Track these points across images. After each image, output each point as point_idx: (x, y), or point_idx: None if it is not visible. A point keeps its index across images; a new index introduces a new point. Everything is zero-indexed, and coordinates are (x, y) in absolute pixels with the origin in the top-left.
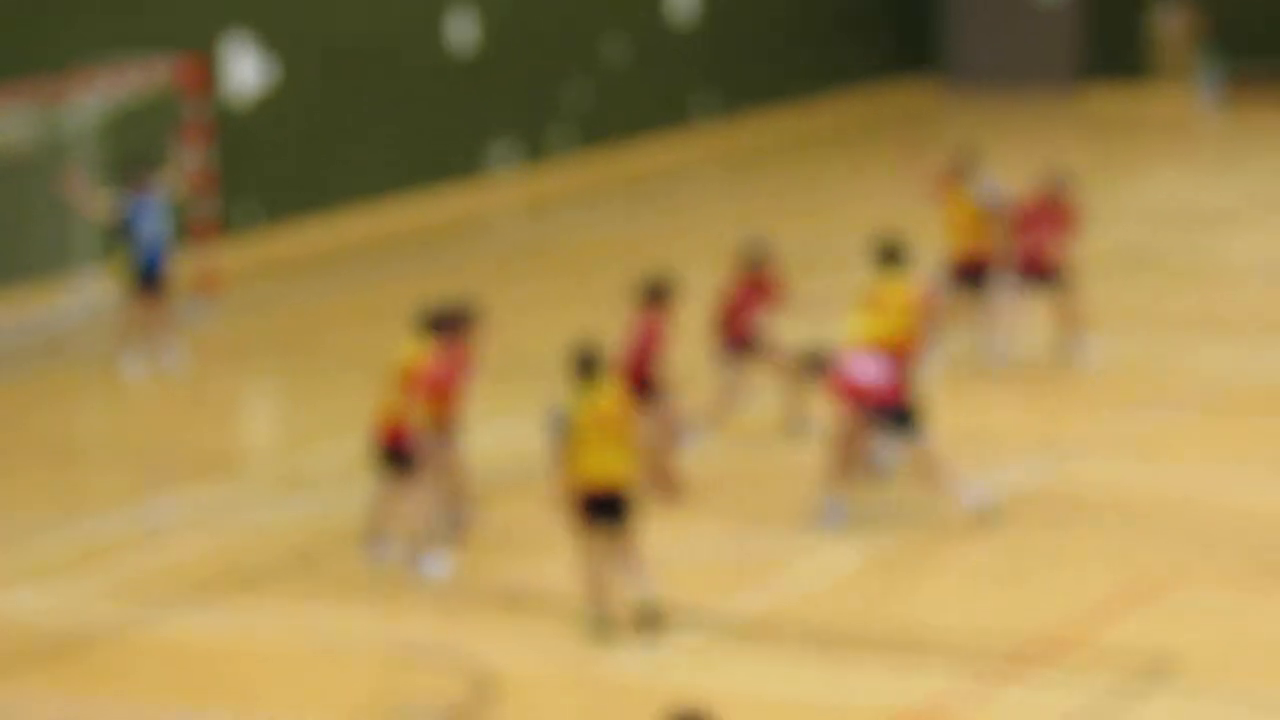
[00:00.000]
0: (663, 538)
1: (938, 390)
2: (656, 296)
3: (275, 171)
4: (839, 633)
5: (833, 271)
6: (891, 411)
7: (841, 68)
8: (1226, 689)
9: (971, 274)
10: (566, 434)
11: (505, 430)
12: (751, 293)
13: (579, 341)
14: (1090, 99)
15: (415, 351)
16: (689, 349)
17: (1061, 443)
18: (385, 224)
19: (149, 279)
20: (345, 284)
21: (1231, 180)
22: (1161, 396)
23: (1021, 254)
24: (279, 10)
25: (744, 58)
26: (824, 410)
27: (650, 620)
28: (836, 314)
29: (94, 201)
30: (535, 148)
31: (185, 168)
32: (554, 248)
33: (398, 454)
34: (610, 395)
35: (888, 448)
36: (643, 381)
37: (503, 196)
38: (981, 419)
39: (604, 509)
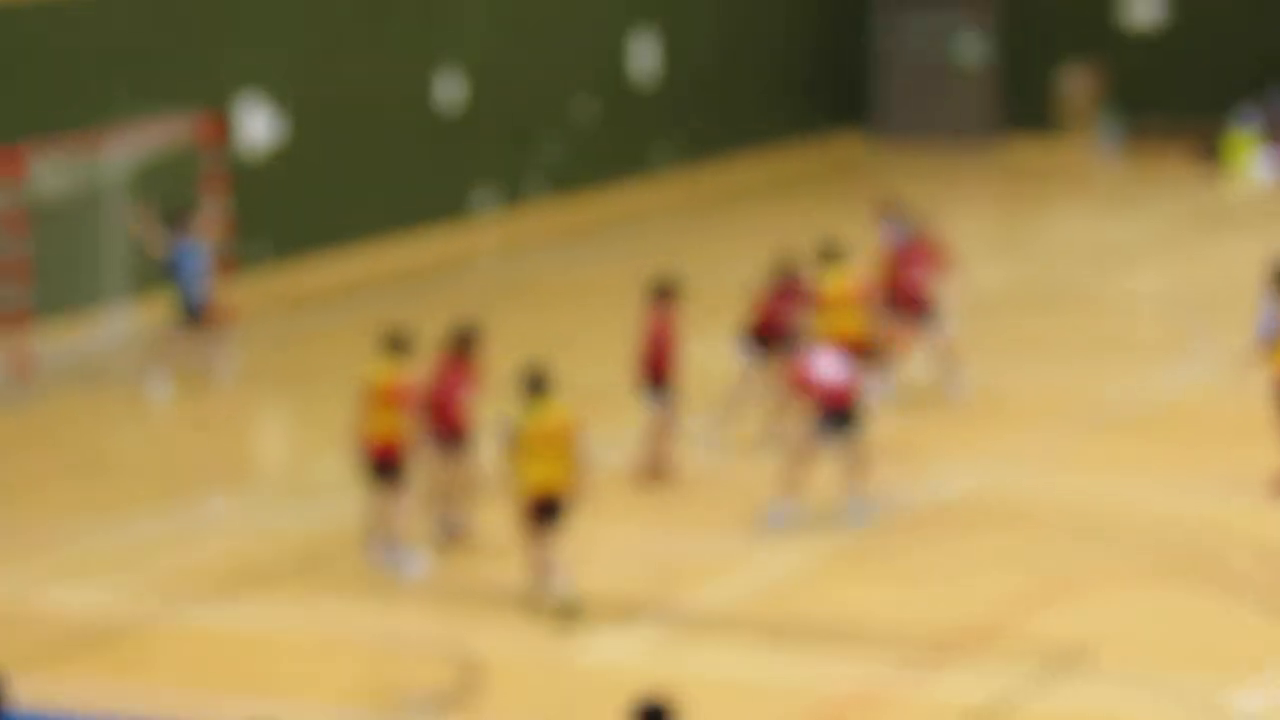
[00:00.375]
0: (630, 540)
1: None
2: (664, 295)
3: (284, 215)
4: (788, 625)
5: None
6: (847, 410)
7: (783, 123)
8: (1129, 675)
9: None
10: (514, 445)
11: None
12: (784, 297)
13: (529, 362)
14: (1005, 150)
15: (385, 370)
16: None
17: (982, 457)
18: (381, 262)
19: (193, 311)
20: (345, 315)
21: (1129, 221)
22: (1070, 415)
23: (896, 290)
24: (287, 72)
25: (698, 115)
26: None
27: (570, 613)
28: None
29: (154, 238)
30: (513, 194)
31: (215, 214)
32: (530, 283)
33: (384, 466)
34: (556, 411)
35: (874, 392)
36: (657, 372)
37: (484, 238)
38: (909, 436)
39: (547, 512)
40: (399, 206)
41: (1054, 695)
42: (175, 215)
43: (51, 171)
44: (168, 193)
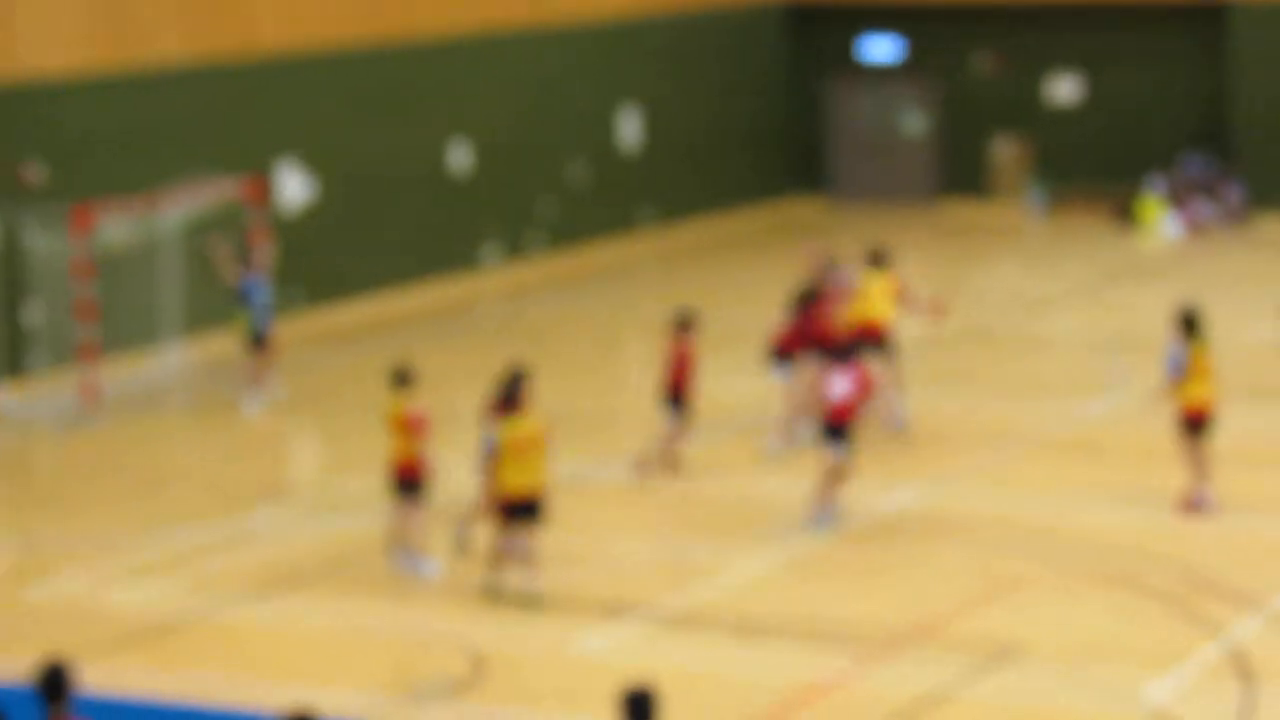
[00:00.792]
0: (619, 548)
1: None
2: (684, 326)
3: (315, 264)
4: (758, 622)
5: (744, 338)
6: (844, 427)
7: (749, 186)
8: (1059, 669)
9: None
10: (493, 455)
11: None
12: (822, 305)
13: (504, 384)
14: (944, 211)
15: (395, 402)
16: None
17: (928, 476)
18: (399, 306)
19: (259, 338)
20: (368, 352)
21: (1053, 272)
22: (1004, 440)
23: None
24: (319, 141)
25: (675, 179)
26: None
27: (531, 604)
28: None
29: (229, 269)
30: (515, 248)
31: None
32: (529, 325)
33: (405, 483)
34: (529, 424)
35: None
36: (677, 390)
37: (489, 285)
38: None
39: (520, 511)
40: (416, 257)
41: (989, 685)
42: (246, 252)
43: (116, 226)
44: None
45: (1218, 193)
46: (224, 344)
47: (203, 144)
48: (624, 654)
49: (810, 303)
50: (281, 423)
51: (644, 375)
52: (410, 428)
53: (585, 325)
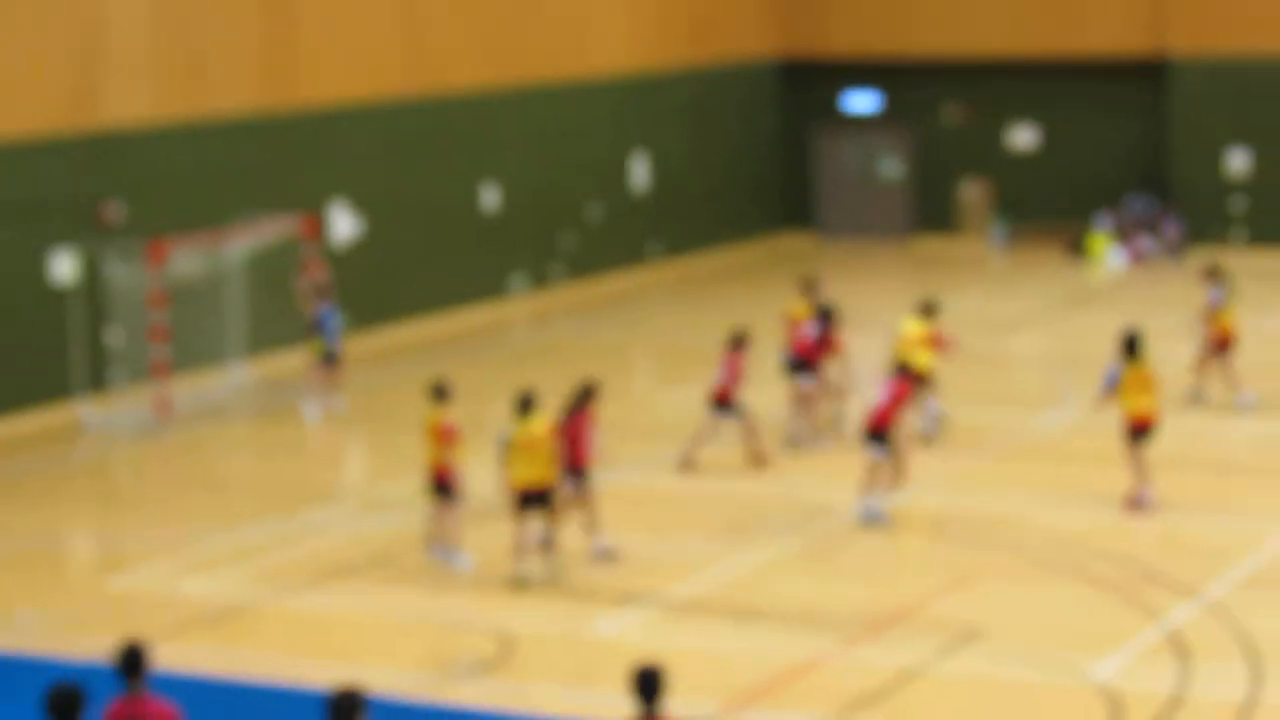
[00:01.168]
0: (630, 544)
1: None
2: (738, 344)
3: (363, 292)
4: (752, 608)
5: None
6: (881, 431)
7: (747, 223)
8: (1017, 649)
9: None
10: (506, 450)
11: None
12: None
13: (520, 390)
14: (917, 245)
15: (432, 414)
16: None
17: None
18: (438, 328)
19: (330, 356)
20: (409, 370)
21: (1013, 299)
22: (970, 447)
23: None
24: (366, 184)
25: (681, 217)
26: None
27: (554, 581)
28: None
29: (308, 299)
30: (540, 278)
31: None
32: (552, 346)
33: (442, 486)
34: (538, 424)
35: (930, 418)
36: (726, 397)
37: (517, 311)
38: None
39: (531, 500)
40: (451, 286)
41: (956, 663)
42: (321, 285)
43: (187, 259)
44: (276, 275)
45: (1158, 229)
46: (282, 363)
47: (263, 186)
48: (635, 636)
49: (829, 319)
50: (332, 432)
51: (653, 390)
52: (446, 436)
53: (601, 346)
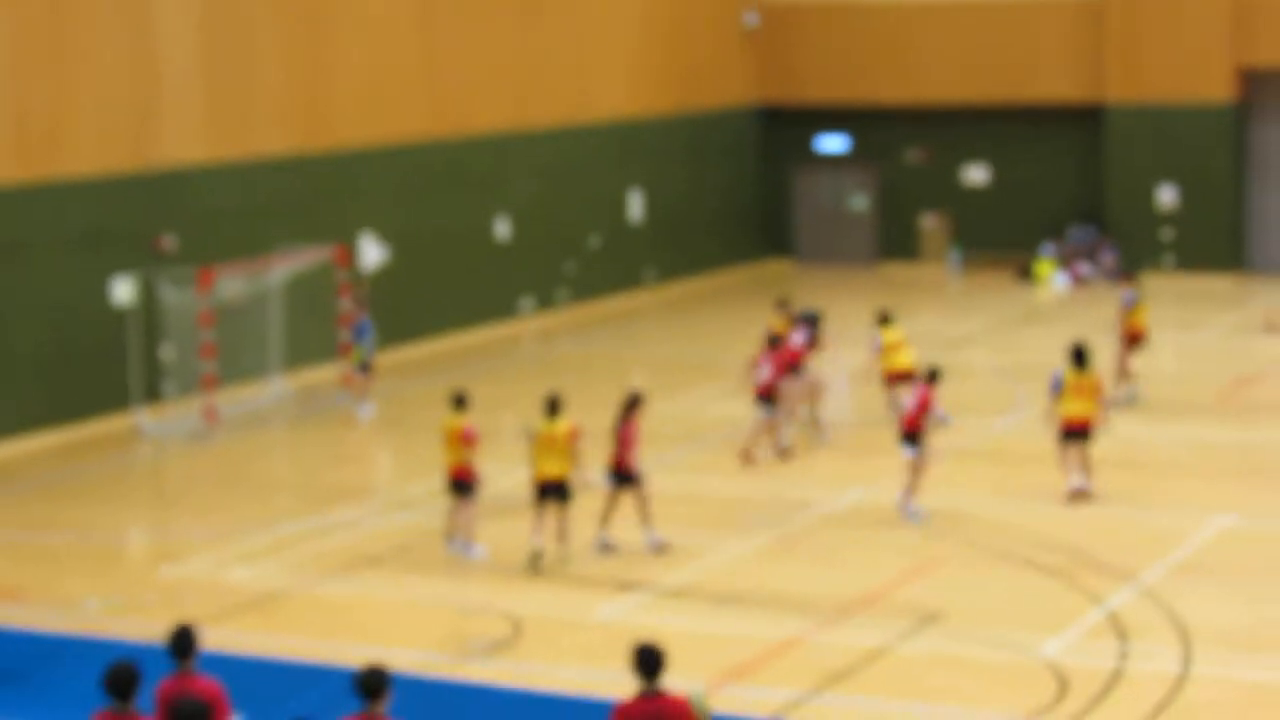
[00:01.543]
0: (631, 536)
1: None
2: (774, 344)
3: (389, 313)
4: (737, 594)
5: (732, 371)
6: (914, 433)
7: (731, 251)
8: (973, 630)
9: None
10: (532, 446)
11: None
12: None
13: (547, 394)
14: (882, 271)
15: (452, 420)
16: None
17: (871, 477)
18: (453, 346)
19: (365, 365)
20: (429, 382)
21: (968, 318)
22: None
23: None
24: (392, 217)
25: (673, 245)
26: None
27: (564, 564)
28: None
29: (353, 313)
30: (546, 300)
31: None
32: (556, 361)
33: (460, 484)
34: (561, 424)
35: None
36: (771, 391)
37: (525, 329)
38: (824, 463)
39: (550, 492)
40: (467, 307)
41: (918, 643)
42: (361, 300)
43: (232, 283)
44: (312, 299)
45: (1096, 256)
46: (316, 376)
47: (300, 219)
48: (634, 619)
49: (815, 324)
50: (361, 437)
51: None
52: (465, 440)
53: (600, 361)
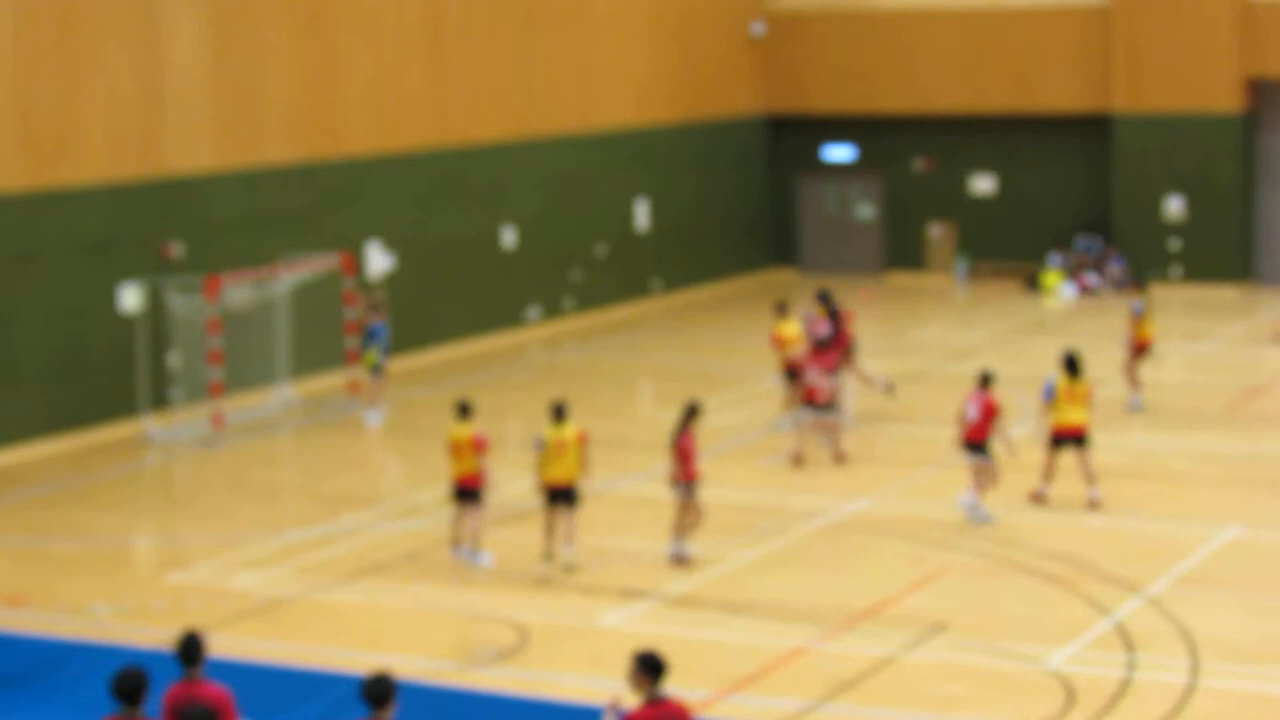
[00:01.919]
0: (636, 545)
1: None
2: (820, 346)
3: (396, 321)
4: (742, 603)
5: (738, 379)
6: (979, 442)
7: (736, 260)
8: (979, 640)
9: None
10: (541, 451)
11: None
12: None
13: (553, 400)
14: (889, 280)
15: (458, 429)
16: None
17: (875, 489)
18: (462, 353)
19: (378, 368)
20: (437, 389)
21: (975, 328)
22: (934, 460)
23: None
24: (399, 225)
25: (679, 254)
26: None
27: (570, 570)
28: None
29: (366, 315)
30: (553, 308)
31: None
32: (563, 369)
33: (466, 492)
34: (569, 429)
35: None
36: (813, 395)
37: (532, 337)
38: (823, 478)
39: (559, 496)
40: (474, 316)
41: (924, 652)
42: (375, 303)
43: (239, 291)
44: (318, 307)
45: (1103, 267)
46: (322, 383)
47: (307, 227)
48: (640, 627)
49: (838, 318)
50: (369, 445)
51: (652, 408)
52: (474, 447)
53: (606, 369)
